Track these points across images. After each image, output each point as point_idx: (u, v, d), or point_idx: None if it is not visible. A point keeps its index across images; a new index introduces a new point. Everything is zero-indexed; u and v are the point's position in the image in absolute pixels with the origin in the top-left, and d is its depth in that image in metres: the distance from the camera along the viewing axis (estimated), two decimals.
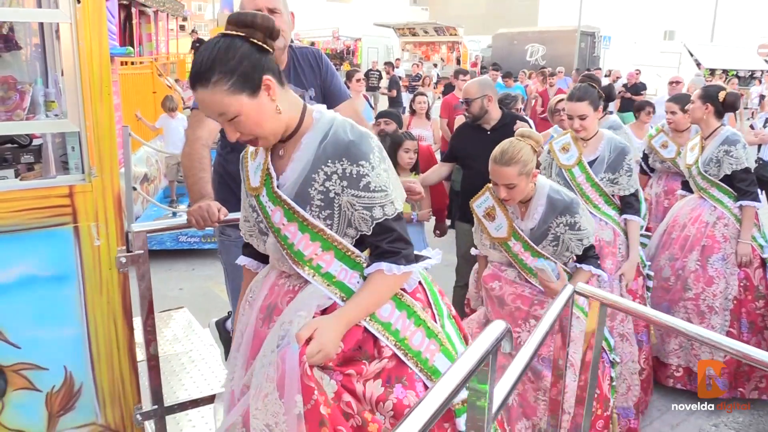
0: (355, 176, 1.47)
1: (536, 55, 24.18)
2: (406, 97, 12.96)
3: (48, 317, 1.99)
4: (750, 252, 3.39)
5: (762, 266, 3.44)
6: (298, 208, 1.52)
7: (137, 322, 2.24)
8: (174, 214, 6.28)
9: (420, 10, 47.20)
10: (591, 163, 3.14)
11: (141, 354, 2.33)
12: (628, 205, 3.16)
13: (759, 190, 3.53)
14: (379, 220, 1.50)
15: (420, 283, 1.67)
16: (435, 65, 19.67)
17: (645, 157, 4.38)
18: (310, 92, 2.57)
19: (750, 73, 26.55)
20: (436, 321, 1.63)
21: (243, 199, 1.71)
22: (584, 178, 3.14)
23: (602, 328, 2.05)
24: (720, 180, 3.46)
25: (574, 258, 2.67)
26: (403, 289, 1.60)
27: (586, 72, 3.45)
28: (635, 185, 3.14)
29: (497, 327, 1.36)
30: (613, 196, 3.16)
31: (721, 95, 3.47)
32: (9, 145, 2.29)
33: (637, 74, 14.31)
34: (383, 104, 14.40)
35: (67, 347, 2.03)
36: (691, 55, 26.15)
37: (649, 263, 3.45)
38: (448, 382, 1.15)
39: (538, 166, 2.87)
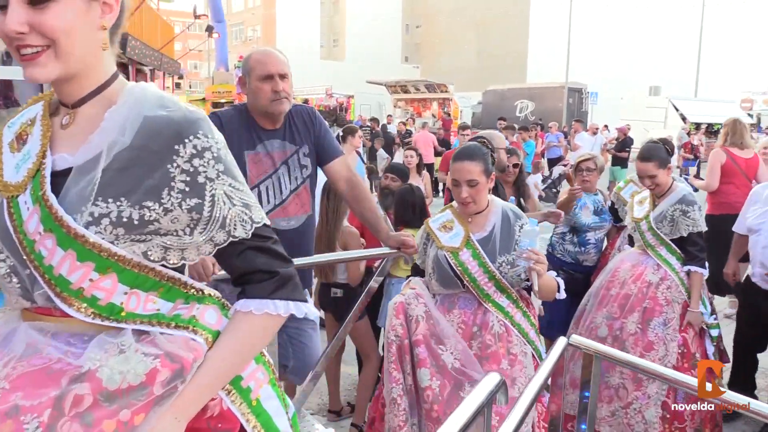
0: None
1: (525, 110, 24.64)
2: (398, 155, 13.11)
3: None
4: (701, 320, 3.22)
5: (701, 333, 3.28)
6: None
7: None
8: None
9: (411, 67, 48.39)
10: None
11: None
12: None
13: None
14: None
15: None
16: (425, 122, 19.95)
17: (613, 210, 4.03)
18: (303, 149, 2.61)
19: None
20: None
21: None
22: (477, 264, 2.40)
23: (597, 380, 2.03)
24: (671, 240, 3.31)
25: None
26: None
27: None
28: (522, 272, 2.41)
29: (492, 380, 1.35)
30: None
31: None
32: None
33: (627, 128, 14.61)
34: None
35: None
36: (677, 109, 26.75)
37: None
38: None
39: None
